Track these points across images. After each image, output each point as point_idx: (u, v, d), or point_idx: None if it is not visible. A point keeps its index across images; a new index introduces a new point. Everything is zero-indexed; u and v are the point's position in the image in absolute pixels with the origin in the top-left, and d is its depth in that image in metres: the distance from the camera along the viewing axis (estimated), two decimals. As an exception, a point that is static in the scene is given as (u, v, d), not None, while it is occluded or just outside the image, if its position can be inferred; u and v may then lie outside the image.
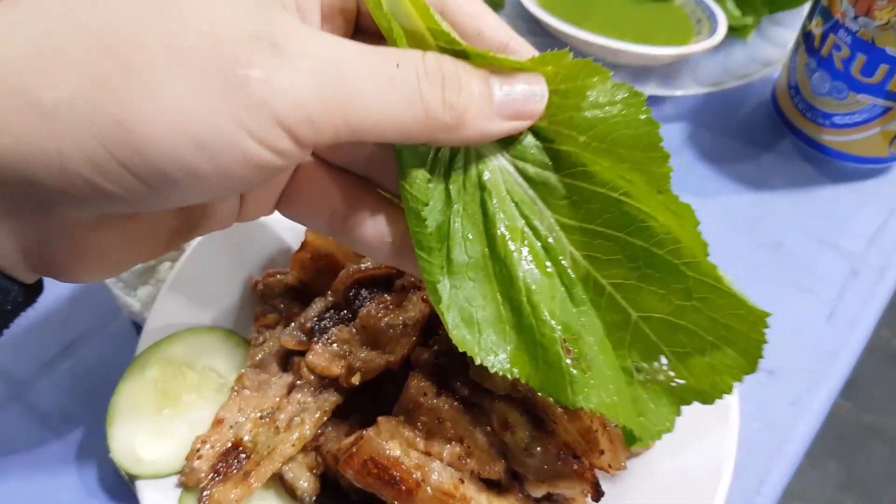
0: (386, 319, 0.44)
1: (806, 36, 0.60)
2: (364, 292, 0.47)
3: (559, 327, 0.29)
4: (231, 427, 0.44)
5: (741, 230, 0.60)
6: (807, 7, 0.71)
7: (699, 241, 0.28)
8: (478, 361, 0.29)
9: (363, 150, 0.32)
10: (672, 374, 0.31)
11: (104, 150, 0.21)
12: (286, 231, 0.55)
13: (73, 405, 0.49)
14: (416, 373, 0.41)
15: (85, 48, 0.21)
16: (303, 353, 0.46)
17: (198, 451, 0.43)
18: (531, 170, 0.29)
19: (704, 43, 0.63)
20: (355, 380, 0.42)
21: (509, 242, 0.29)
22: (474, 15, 0.27)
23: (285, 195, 0.33)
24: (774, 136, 0.66)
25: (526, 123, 0.27)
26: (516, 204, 0.29)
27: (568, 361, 0.29)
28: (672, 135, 0.66)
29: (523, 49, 0.29)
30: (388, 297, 0.46)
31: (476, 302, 0.30)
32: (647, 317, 0.30)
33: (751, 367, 0.29)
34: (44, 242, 0.25)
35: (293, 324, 0.48)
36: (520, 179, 0.29)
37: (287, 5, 0.26)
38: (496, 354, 0.29)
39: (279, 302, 0.52)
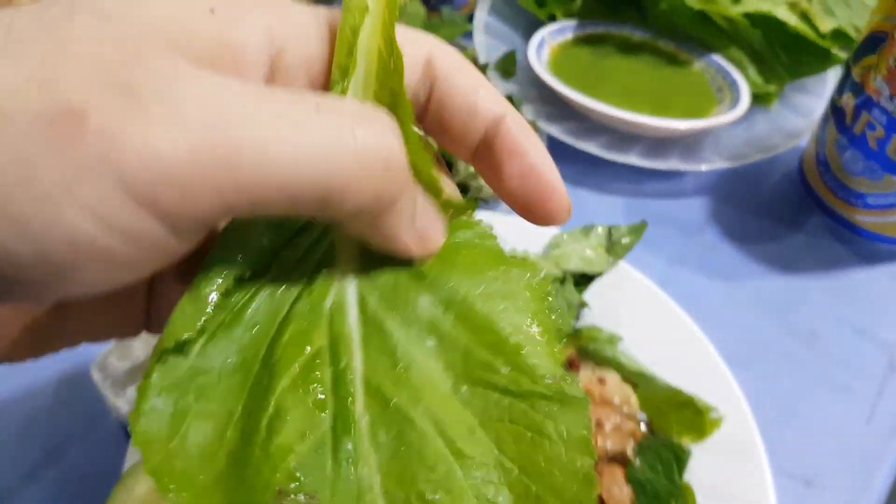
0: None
1: (835, 110, 0.56)
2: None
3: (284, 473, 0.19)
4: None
5: (771, 318, 0.56)
6: (832, 75, 0.68)
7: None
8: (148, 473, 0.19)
9: None
10: None
11: None
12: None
13: (55, 520, 0.46)
14: None
15: None
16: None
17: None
18: (373, 308, 0.21)
19: (728, 115, 0.60)
20: None
21: (289, 362, 0.20)
22: (468, 90, 0.22)
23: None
24: (803, 211, 0.62)
25: (423, 253, 0.21)
26: (334, 338, 0.21)
27: None
28: (694, 211, 0.63)
29: (516, 127, 0.22)
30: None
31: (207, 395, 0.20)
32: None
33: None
34: None
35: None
36: (353, 313, 0.22)
37: (182, 50, 0.18)
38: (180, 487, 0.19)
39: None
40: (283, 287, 0.21)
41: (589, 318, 0.52)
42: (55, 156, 0.15)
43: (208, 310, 0.20)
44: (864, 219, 0.57)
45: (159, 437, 0.19)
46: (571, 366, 0.48)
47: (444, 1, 0.72)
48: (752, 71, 0.66)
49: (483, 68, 0.65)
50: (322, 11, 0.21)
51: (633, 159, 0.61)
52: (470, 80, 0.22)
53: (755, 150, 0.62)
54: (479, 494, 0.19)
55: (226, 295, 0.20)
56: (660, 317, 0.51)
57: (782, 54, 0.66)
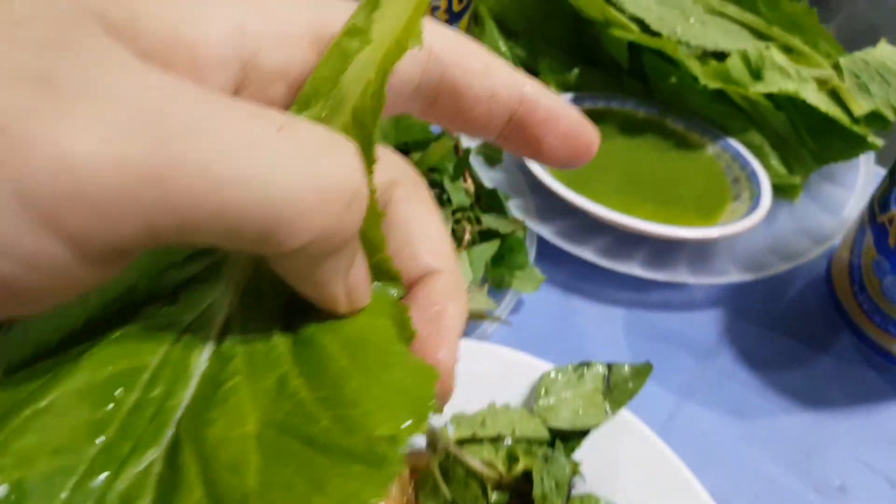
0: None
1: (875, 224, 0.48)
2: None
3: None
4: None
5: (792, 467, 0.48)
6: (864, 161, 0.60)
7: None
8: None
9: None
10: None
11: None
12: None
13: None
14: None
15: None
16: None
17: None
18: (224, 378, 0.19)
19: (749, 218, 0.52)
20: None
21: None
22: (483, 74, 0.20)
23: None
24: (830, 328, 0.54)
25: (348, 309, 0.19)
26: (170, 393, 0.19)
27: None
28: (705, 328, 0.54)
29: (541, 97, 0.21)
30: None
31: None
32: None
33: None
34: None
35: None
36: (195, 378, 0.19)
37: (126, 39, 0.15)
38: None
39: None
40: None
41: (580, 483, 0.44)
42: None
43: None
44: (905, 350, 0.49)
45: None
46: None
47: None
48: (773, 158, 0.58)
49: (466, 152, 0.57)
50: (316, 9, 0.18)
51: (634, 268, 0.53)
52: (481, 62, 0.20)
53: (778, 257, 0.54)
54: None
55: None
56: (664, 481, 0.43)
57: (809, 139, 0.58)
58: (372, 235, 0.19)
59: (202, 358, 0.19)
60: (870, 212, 0.49)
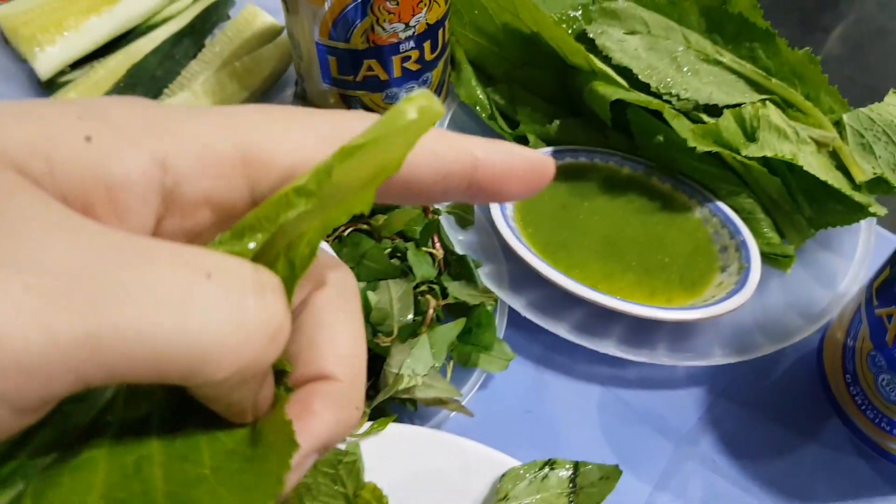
0: None
1: (873, 318, 0.44)
2: None
3: None
4: None
5: (775, 574, 0.44)
6: (865, 226, 0.56)
7: None
8: None
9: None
10: None
11: None
12: None
13: None
14: None
15: None
16: None
17: None
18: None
19: (728, 302, 0.48)
20: None
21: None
22: (430, 160, 0.20)
23: None
24: (819, 413, 0.50)
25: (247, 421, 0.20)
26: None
27: None
28: (684, 409, 0.50)
29: (495, 155, 0.21)
30: None
31: None
32: None
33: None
34: None
35: None
36: None
37: (46, 184, 0.16)
38: None
39: None
40: None
41: None
42: None
43: None
44: (900, 449, 0.45)
45: None
46: None
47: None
48: (765, 225, 0.54)
49: (435, 215, 0.53)
50: (242, 132, 0.19)
51: (609, 347, 0.49)
52: (427, 150, 0.20)
53: (766, 337, 0.50)
54: None
55: None
56: None
57: (805, 205, 0.54)
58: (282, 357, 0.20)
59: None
60: (867, 298, 0.45)
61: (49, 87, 0.64)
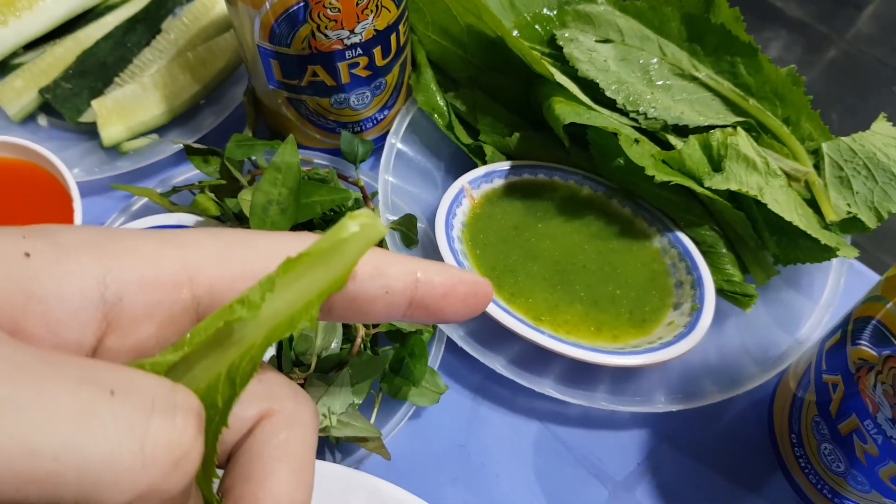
0: None
1: (819, 384, 0.41)
2: None
3: None
4: None
5: None
6: (836, 265, 0.52)
7: None
8: None
9: None
10: None
11: None
12: None
13: None
14: None
15: None
16: None
17: None
18: None
19: (676, 347, 0.45)
20: None
21: None
22: (373, 275, 0.21)
23: None
24: (765, 465, 0.48)
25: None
26: None
27: None
28: (624, 453, 0.48)
29: (432, 275, 0.22)
30: None
31: None
32: None
33: None
34: None
35: None
36: None
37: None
38: None
39: None
40: None
41: None
42: None
43: None
44: (841, 517, 0.42)
45: None
46: None
47: (346, 125, 0.56)
48: (728, 260, 0.50)
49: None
50: (185, 249, 0.20)
51: (546, 387, 0.47)
52: (369, 266, 0.21)
53: (716, 385, 0.47)
54: None
55: None
56: None
57: (772, 241, 0.50)
58: (204, 488, 0.19)
59: None
60: (818, 359, 0.42)
61: (1, 68, 0.62)
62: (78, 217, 0.51)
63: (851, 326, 0.39)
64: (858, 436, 0.38)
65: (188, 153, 0.53)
